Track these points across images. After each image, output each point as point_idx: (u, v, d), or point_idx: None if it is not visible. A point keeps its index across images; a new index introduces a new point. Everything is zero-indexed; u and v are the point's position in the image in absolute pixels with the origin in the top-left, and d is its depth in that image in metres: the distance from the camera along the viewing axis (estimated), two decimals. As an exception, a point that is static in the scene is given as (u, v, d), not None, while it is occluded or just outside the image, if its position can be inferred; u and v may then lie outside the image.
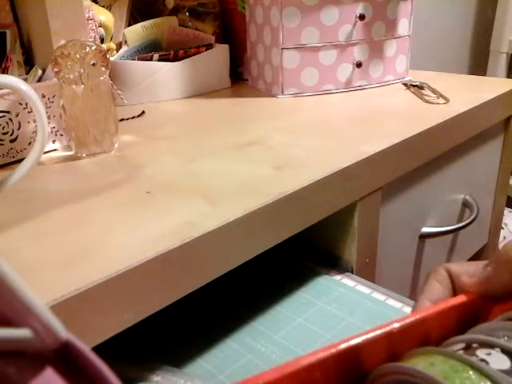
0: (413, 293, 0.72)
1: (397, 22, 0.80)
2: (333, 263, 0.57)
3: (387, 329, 0.23)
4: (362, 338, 0.22)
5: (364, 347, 0.22)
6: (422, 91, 0.76)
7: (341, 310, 0.48)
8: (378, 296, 0.50)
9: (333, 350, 0.22)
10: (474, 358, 0.20)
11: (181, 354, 0.44)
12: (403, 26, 0.81)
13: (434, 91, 0.74)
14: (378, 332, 0.23)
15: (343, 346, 0.22)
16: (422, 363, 0.21)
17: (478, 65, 1.80)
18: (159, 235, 0.36)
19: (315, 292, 0.52)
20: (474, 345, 0.22)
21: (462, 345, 0.22)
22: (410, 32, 0.83)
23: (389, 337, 0.23)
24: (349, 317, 0.47)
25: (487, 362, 0.20)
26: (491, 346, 0.21)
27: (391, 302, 0.49)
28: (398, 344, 0.23)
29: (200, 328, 0.47)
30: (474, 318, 0.26)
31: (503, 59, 1.65)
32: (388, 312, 0.48)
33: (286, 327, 0.46)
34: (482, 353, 0.20)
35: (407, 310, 0.48)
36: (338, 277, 0.54)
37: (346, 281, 0.53)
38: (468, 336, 0.23)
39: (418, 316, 0.24)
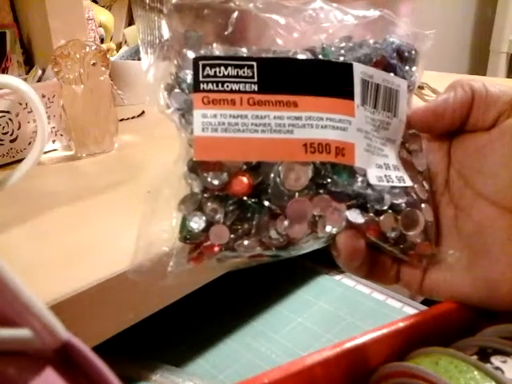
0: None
1: (397, 22, 0.79)
2: (333, 263, 0.56)
3: (392, 328, 0.23)
4: (366, 338, 0.22)
5: (368, 346, 0.22)
6: (422, 91, 0.76)
7: (341, 309, 0.48)
8: (378, 296, 0.50)
9: (337, 349, 0.22)
10: (488, 365, 0.19)
11: (181, 353, 0.44)
12: (403, 26, 0.81)
13: (434, 91, 0.74)
14: (383, 331, 0.23)
15: (348, 345, 0.22)
16: (426, 363, 0.21)
17: (478, 65, 1.80)
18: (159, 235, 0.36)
19: (315, 292, 0.51)
20: (489, 350, 0.21)
21: (475, 349, 0.22)
22: (410, 32, 0.82)
23: (393, 336, 0.23)
24: (349, 317, 0.47)
25: (503, 371, 0.19)
26: (507, 353, 0.20)
27: (391, 301, 0.49)
28: (401, 343, 0.23)
29: (200, 328, 0.47)
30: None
31: (503, 59, 1.65)
32: (388, 312, 0.48)
33: (286, 327, 0.46)
34: (497, 360, 0.20)
35: (407, 309, 0.48)
36: (337, 277, 0.54)
37: (346, 281, 0.53)
38: (482, 341, 0.22)
39: (420, 316, 0.24)
